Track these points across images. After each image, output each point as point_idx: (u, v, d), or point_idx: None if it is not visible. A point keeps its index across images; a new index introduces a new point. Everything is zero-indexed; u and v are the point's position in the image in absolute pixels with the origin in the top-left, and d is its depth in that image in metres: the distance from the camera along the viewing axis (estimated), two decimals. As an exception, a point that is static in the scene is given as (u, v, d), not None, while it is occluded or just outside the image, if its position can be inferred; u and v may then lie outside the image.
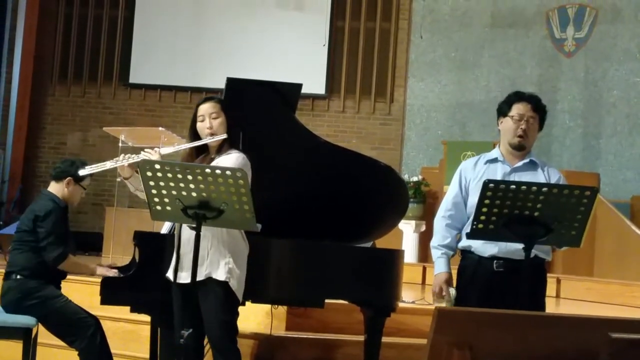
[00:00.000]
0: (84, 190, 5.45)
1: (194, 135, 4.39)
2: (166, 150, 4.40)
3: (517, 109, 4.29)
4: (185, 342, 3.99)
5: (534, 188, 3.62)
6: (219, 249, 4.22)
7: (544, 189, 3.62)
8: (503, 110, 4.35)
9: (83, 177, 5.30)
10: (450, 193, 4.46)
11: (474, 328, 2.64)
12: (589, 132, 11.79)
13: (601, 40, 11.76)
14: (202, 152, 4.41)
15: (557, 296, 8.62)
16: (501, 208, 3.64)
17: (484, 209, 3.66)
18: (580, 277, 8.89)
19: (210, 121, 4.33)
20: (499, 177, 4.23)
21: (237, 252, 4.28)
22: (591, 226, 3.87)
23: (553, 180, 4.29)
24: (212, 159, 4.33)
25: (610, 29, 11.72)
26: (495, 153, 4.41)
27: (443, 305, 4.38)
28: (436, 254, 4.41)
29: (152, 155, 4.29)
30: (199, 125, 4.37)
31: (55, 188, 5.34)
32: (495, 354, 2.65)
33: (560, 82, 12.04)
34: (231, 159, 4.25)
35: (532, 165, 4.35)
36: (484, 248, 4.24)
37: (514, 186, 3.62)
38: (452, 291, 4.33)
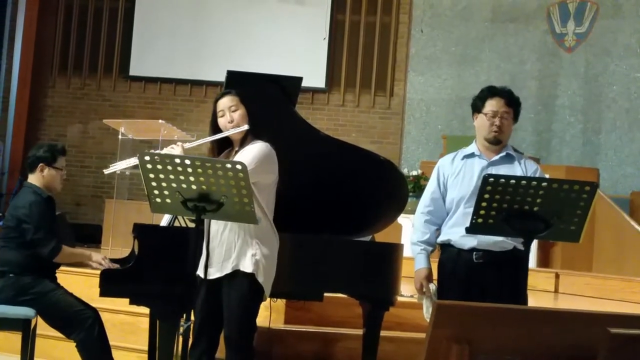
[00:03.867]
0: (61, 171, 5.26)
1: (216, 131, 4.32)
2: (190, 144, 4.37)
3: (490, 105, 4.30)
4: (185, 334, 3.98)
5: (534, 183, 3.62)
6: (246, 241, 4.16)
7: (544, 184, 3.63)
8: (477, 106, 4.37)
9: (55, 159, 5.20)
10: (429, 189, 4.49)
11: (473, 322, 2.65)
12: (589, 127, 11.78)
13: (602, 36, 11.75)
14: (226, 147, 4.36)
15: (556, 291, 8.62)
16: (501, 203, 3.65)
17: (484, 204, 3.67)
18: (579, 273, 8.89)
19: (230, 115, 4.26)
20: (476, 172, 4.27)
21: (266, 244, 4.21)
22: (590, 221, 3.87)
23: (529, 172, 4.32)
24: (237, 152, 4.28)
25: (611, 24, 11.71)
26: (472, 148, 4.43)
27: (424, 301, 4.42)
28: (416, 250, 4.43)
29: (175, 150, 4.26)
30: (220, 120, 4.30)
31: (34, 179, 5.21)
32: (494, 348, 2.66)
33: (560, 77, 12.03)
34: (255, 149, 4.21)
35: (509, 159, 4.37)
36: (463, 241, 4.26)
37: (513, 181, 3.63)
38: (432, 286, 4.38)
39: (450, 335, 2.62)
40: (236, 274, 4.15)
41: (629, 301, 8.00)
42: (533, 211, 3.66)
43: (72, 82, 13.17)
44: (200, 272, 4.18)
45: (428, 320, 3.66)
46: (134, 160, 4.37)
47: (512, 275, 4.08)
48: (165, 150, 4.26)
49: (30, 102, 12.93)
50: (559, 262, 8.94)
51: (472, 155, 4.40)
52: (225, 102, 4.31)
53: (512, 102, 4.33)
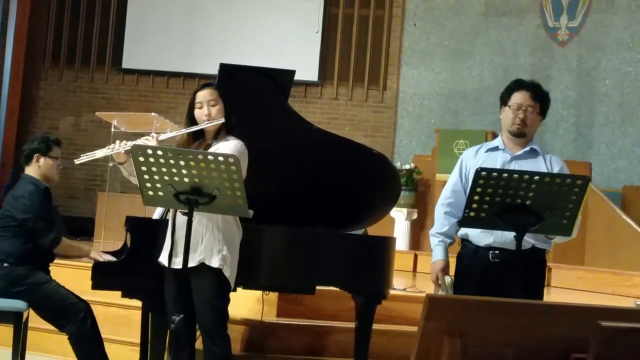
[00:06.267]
0: (57, 160, 5.30)
1: (191, 122, 4.34)
2: (164, 136, 4.37)
3: (515, 98, 4.27)
4: (176, 327, 3.99)
5: (526, 177, 3.62)
6: (213, 235, 4.21)
7: (536, 178, 3.63)
8: (504, 99, 4.33)
9: (49, 148, 5.23)
10: (450, 181, 4.45)
11: (465, 316, 2.65)
12: (581, 121, 11.80)
13: (594, 30, 11.76)
14: (198, 139, 4.38)
15: (548, 285, 8.63)
16: (493, 196, 3.65)
17: (476, 197, 3.67)
18: (571, 266, 8.91)
19: (208, 108, 4.29)
20: (498, 165, 4.20)
21: (231, 239, 4.27)
22: (582, 215, 3.87)
23: (555, 169, 4.25)
24: (209, 145, 4.31)
25: (604, 18, 11.71)
26: (497, 142, 4.39)
27: (440, 292, 4.39)
28: (434, 241, 4.41)
29: (149, 141, 4.26)
30: (196, 112, 4.32)
31: (31, 170, 5.24)
32: (486, 341, 2.66)
33: (553, 71, 12.03)
34: (229, 146, 4.24)
35: (533, 154, 4.32)
36: (480, 237, 4.23)
37: (506, 174, 3.62)
38: (448, 279, 4.35)
39: (443, 328, 2.62)
40: (202, 267, 4.19)
41: (620, 294, 8.02)
42: (525, 205, 3.66)
43: (65, 75, 13.14)
44: (163, 260, 4.25)
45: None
46: (106, 151, 4.36)
47: (528, 275, 4.00)
48: (139, 142, 4.25)
49: (22, 95, 12.89)
50: (551, 256, 8.89)
51: (496, 148, 4.36)
52: (205, 95, 4.33)
53: (538, 96, 4.30)
